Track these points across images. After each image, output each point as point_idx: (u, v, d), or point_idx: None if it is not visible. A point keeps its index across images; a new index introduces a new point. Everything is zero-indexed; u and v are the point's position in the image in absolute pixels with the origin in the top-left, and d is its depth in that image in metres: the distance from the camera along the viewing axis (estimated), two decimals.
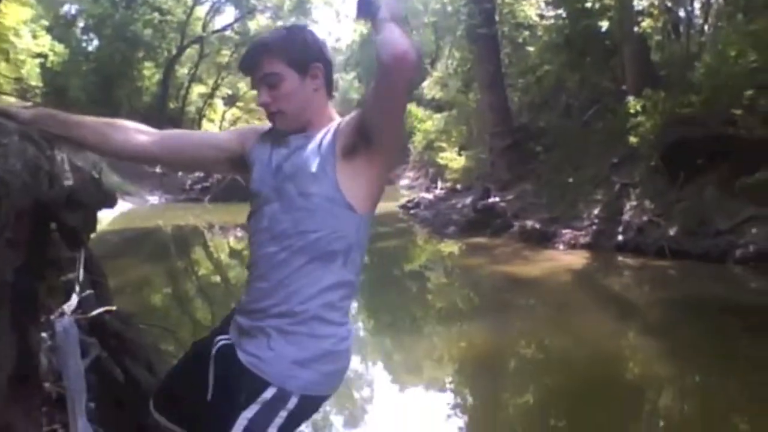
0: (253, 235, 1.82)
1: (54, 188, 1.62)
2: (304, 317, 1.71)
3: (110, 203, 1.83)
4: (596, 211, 11.38)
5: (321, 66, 1.83)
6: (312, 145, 1.78)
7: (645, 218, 10.41)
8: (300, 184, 1.73)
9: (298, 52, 1.81)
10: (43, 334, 1.73)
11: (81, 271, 1.73)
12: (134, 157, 1.94)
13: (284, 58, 1.78)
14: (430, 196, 18.02)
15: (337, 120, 1.85)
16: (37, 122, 1.79)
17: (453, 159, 18.79)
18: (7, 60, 16.00)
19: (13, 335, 1.55)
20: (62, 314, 1.65)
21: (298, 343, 1.70)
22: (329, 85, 1.89)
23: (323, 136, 1.79)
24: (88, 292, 1.75)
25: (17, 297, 1.56)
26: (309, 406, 1.75)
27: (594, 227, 10.97)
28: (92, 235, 1.85)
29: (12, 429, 1.57)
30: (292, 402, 1.67)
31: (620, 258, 9.94)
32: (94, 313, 1.65)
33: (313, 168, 1.73)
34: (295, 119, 1.82)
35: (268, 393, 1.66)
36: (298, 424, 1.78)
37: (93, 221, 1.76)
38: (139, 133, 1.87)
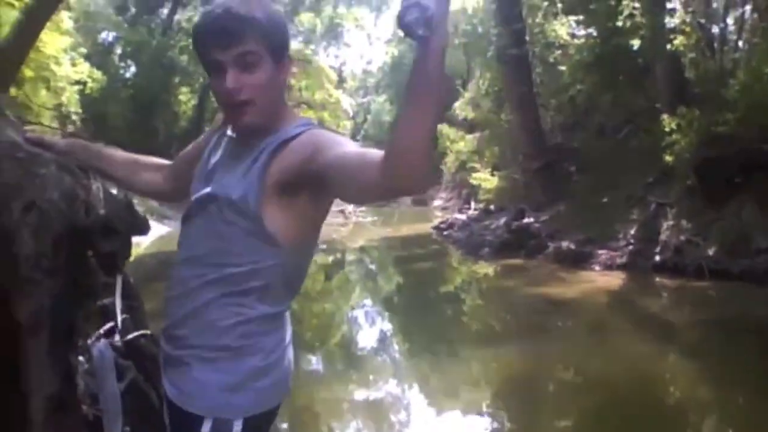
0: (178, 244, 1.65)
1: (90, 216, 1.63)
2: (222, 347, 1.54)
3: (144, 230, 1.84)
4: (632, 232, 11.23)
5: (289, 64, 1.61)
6: (246, 161, 1.56)
7: (682, 238, 10.24)
8: (222, 207, 1.52)
9: (279, 37, 1.56)
10: (80, 358, 1.75)
11: (117, 296, 1.74)
12: (156, 197, 1.96)
13: (266, 40, 1.52)
14: (463, 217, 17.96)
15: (287, 128, 1.56)
16: (72, 152, 1.82)
17: (486, 179, 18.72)
18: (48, 88, 16.36)
19: (50, 360, 1.56)
20: (98, 338, 1.67)
21: (222, 368, 1.54)
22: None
23: (260, 151, 1.54)
24: (124, 316, 1.76)
25: (55, 323, 1.58)
26: (260, 421, 1.59)
27: (630, 248, 10.82)
28: (129, 260, 1.86)
29: None
30: (236, 430, 1.53)
31: (658, 279, 9.78)
32: (130, 336, 1.65)
33: (235, 194, 1.51)
34: (264, 115, 1.56)
35: (206, 428, 1.52)
36: None
37: (128, 247, 1.77)
38: (161, 173, 1.87)
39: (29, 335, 1.54)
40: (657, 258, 10.16)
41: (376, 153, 1.32)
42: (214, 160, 1.65)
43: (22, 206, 1.49)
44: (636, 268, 10.27)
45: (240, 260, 1.52)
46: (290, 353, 1.70)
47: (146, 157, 1.93)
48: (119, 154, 1.91)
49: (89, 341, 1.69)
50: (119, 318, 1.69)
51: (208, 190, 1.57)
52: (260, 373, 1.57)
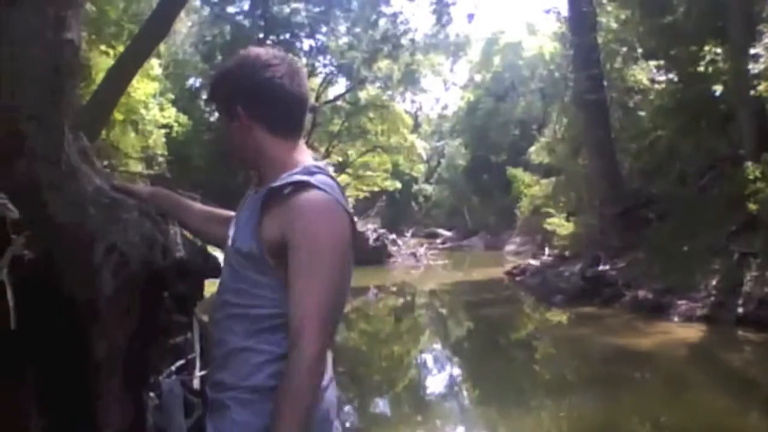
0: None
1: (167, 259, 1.73)
2: (255, 388, 1.59)
3: (216, 272, 1.93)
4: (714, 282, 10.82)
5: (241, 109, 1.65)
6: (247, 210, 1.67)
7: (767, 290, 9.83)
8: (235, 254, 1.63)
9: (221, 96, 1.71)
10: (151, 394, 1.83)
11: (189, 335, 1.83)
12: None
13: (213, 103, 1.73)
14: (536, 262, 17.71)
15: (279, 176, 1.62)
16: (153, 200, 1.95)
17: (561, 225, 18.45)
18: (136, 131, 17.11)
19: (123, 396, 1.65)
20: (169, 375, 1.75)
21: (259, 411, 1.56)
22: (273, 124, 1.68)
23: (257, 200, 1.63)
24: (193, 354, 1.85)
25: (129, 360, 1.67)
26: None
27: (712, 299, 10.43)
28: (201, 301, 1.95)
29: None
30: None
31: (740, 332, 9.38)
32: (199, 374, 1.73)
33: (238, 242, 1.63)
34: (240, 160, 1.73)
35: None
36: None
37: (201, 288, 1.87)
38: None
39: (104, 370, 1.63)
40: (740, 310, 9.76)
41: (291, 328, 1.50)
42: (240, 208, 1.76)
43: (105, 248, 1.61)
44: (717, 320, 9.88)
45: (262, 302, 1.59)
46: (331, 393, 1.71)
47: (220, 210, 2.02)
48: (197, 205, 2.03)
49: (160, 378, 1.78)
50: (195, 355, 1.77)
51: (229, 237, 1.69)
52: None
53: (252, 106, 1.66)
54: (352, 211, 1.65)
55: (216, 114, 29.71)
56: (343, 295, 1.56)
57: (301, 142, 1.75)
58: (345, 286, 1.61)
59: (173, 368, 1.91)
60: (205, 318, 2.09)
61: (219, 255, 1.85)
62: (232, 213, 1.91)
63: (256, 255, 1.58)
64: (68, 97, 1.56)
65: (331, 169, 1.74)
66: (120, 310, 1.62)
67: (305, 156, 1.71)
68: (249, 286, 1.60)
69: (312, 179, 1.58)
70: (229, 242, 1.68)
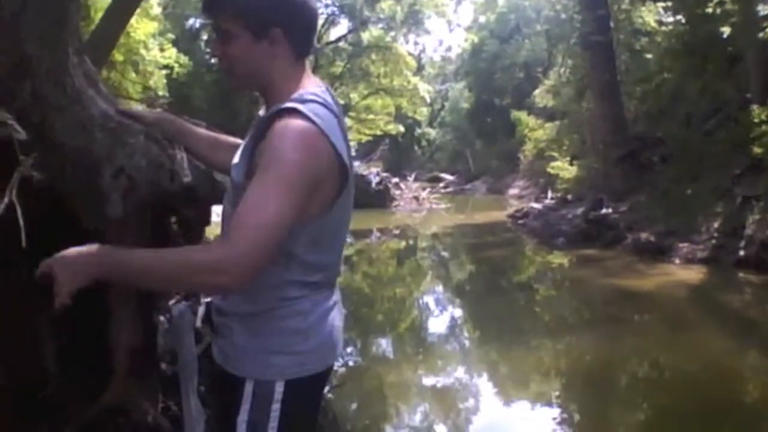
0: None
1: (174, 183, 1.75)
2: (256, 311, 1.63)
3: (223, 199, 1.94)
4: (716, 225, 10.86)
5: (281, 32, 1.62)
6: (247, 137, 1.66)
7: None
8: (235, 180, 1.62)
9: (257, 14, 1.62)
10: (161, 318, 1.87)
11: None
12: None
13: (241, 19, 1.60)
14: (539, 206, 17.73)
15: (285, 104, 1.58)
16: (159, 125, 1.94)
17: (564, 168, 18.44)
18: (137, 71, 16.98)
19: (134, 317, 1.69)
20: (179, 300, 1.79)
21: (259, 331, 1.62)
22: (299, 47, 1.67)
23: (255, 127, 1.64)
24: None
25: None
26: (304, 387, 1.65)
27: (713, 241, 10.48)
28: (207, 228, 1.97)
29: (130, 401, 1.71)
30: (278, 391, 1.59)
31: (741, 274, 9.45)
32: (207, 299, 1.76)
33: (234, 171, 1.62)
34: (247, 82, 1.72)
35: (248, 389, 1.60)
36: (308, 407, 1.72)
37: (208, 214, 1.89)
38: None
39: (115, 292, 1.67)
40: (741, 253, 9.81)
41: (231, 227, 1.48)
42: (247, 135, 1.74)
43: (112, 172, 1.62)
44: (718, 262, 9.95)
45: None
46: (335, 320, 1.73)
47: (227, 137, 2.02)
48: (202, 131, 2.02)
49: (170, 302, 1.82)
50: None
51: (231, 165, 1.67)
52: (297, 337, 1.63)
53: (290, 30, 1.63)
54: (342, 146, 1.60)
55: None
56: (286, 229, 1.48)
57: (308, 65, 1.73)
58: (310, 221, 1.58)
59: (182, 294, 1.96)
60: None
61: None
62: (240, 141, 1.92)
63: (235, 180, 1.60)
64: (73, 19, 1.55)
65: (329, 93, 1.71)
66: (129, 234, 1.64)
67: (310, 81, 1.69)
68: None
69: (302, 107, 1.55)
70: (235, 159, 1.66)
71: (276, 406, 1.59)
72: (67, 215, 1.63)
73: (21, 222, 1.34)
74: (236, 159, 1.63)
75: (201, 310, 1.78)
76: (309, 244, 1.61)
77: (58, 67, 1.49)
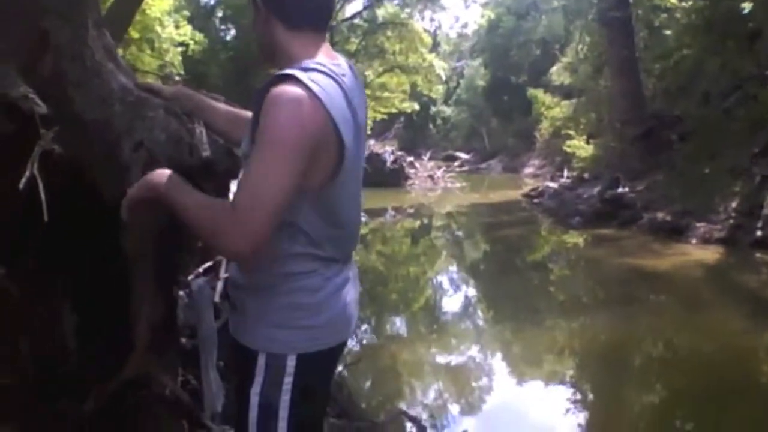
0: None
1: (193, 158, 1.76)
2: (267, 284, 1.65)
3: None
4: (734, 205, 10.77)
5: (263, 4, 1.66)
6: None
7: None
8: (244, 150, 1.66)
9: None
10: (181, 292, 1.90)
11: None
12: None
13: None
14: (555, 185, 17.67)
15: (282, 71, 1.59)
16: (178, 99, 1.96)
17: (581, 147, 18.32)
18: (152, 48, 16.99)
19: (155, 290, 1.71)
20: (198, 276, 1.81)
21: (269, 305, 1.65)
22: (288, 17, 1.67)
23: (257, 98, 1.61)
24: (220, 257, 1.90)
25: (160, 258, 1.73)
26: (316, 362, 1.68)
27: (731, 221, 10.41)
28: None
29: (150, 375, 1.74)
30: (290, 365, 1.62)
31: (758, 255, 9.39)
32: (226, 275, 1.79)
33: (243, 142, 1.67)
34: (261, 52, 1.76)
35: (261, 361, 1.63)
36: (320, 381, 1.75)
37: (226, 190, 1.91)
38: None
39: (137, 266, 1.69)
40: (759, 233, 9.73)
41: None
42: None
43: (132, 146, 1.64)
44: (735, 242, 9.88)
45: None
46: (348, 296, 1.75)
47: (245, 112, 2.00)
48: (221, 106, 2.04)
49: (190, 277, 1.84)
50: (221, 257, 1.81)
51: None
52: (309, 311, 1.65)
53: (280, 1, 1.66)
54: (342, 117, 1.59)
55: (232, 32, 29.49)
56: (284, 195, 1.50)
57: (322, 40, 1.72)
58: (311, 191, 1.59)
59: (201, 269, 1.98)
60: None
61: None
62: None
63: (244, 151, 1.63)
64: None
65: (344, 68, 1.70)
66: (149, 208, 1.66)
67: (319, 53, 1.68)
68: None
69: (300, 73, 1.55)
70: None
71: (288, 380, 1.62)
72: (86, 189, 1.64)
73: (42, 195, 1.36)
74: (246, 144, 1.65)
75: (220, 285, 1.81)
76: (313, 216, 1.62)
77: (77, 40, 1.50)
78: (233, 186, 1.94)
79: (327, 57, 1.67)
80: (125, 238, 1.67)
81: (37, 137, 1.40)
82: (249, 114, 1.97)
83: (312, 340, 1.66)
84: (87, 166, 1.60)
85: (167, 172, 1.58)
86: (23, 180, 1.36)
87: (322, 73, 1.59)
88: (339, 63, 1.69)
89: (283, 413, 1.62)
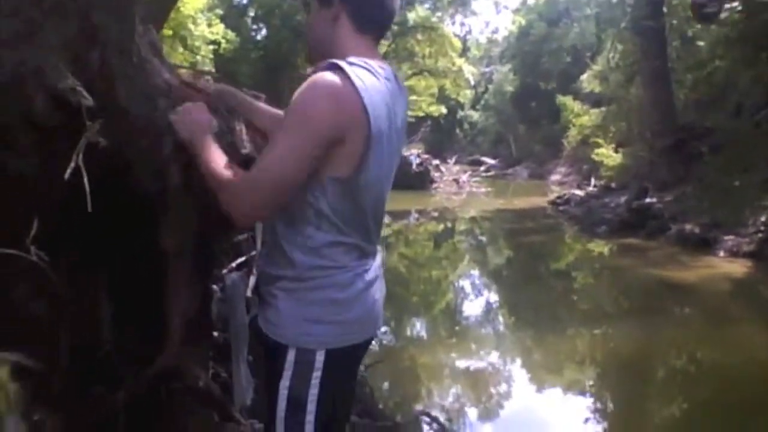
0: None
1: (233, 155, 1.79)
2: (300, 276, 1.67)
3: None
4: (763, 218, 10.65)
5: (343, 4, 1.70)
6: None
7: None
8: None
9: None
10: (215, 287, 1.93)
11: (257, 231, 1.90)
12: None
13: None
14: (581, 192, 17.57)
15: (329, 61, 1.67)
16: (221, 97, 2.02)
17: (609, 156, 18.20)
18: (185, 46, 17.14)
19: (191, 285, 1.74)
20: (231, 270, 1.84)
21: (301, 299, 1.68)
22: (361, 20, 1.73)
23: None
24: (254, 252, 1.92)
25: (196, 252, 1.76)
26: (344, 357, 1.71)
27: (760, 235, 10.28)
28: None
29: (183, 368, 1.77)
30: (319, 360, 1.65)
31: None
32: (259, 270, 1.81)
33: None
34: (313, 51, 1.80)
35: (291, 356, 1.65)
36: (346, 376, 1.79)
37: None
38: None
39: (173, 260, 1.72)
40: None
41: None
42: None
43: (174, 140, 1.67)
44: (764, 256, 9.76)
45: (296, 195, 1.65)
46: (377, 293, 1.79)
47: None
48: (263, 106, 2.09)
49: (224, 271, 1.87)
50: (257, 252, 1.84)
51: None
52: (339, 306, 1.69)
53: (354, 5, 1.71)
54: (379, 113, 1.63)
55: (264, 31, 29.63)
56: (294, 172, 1.57)
57: (377, 47, 1.79)
58: (337, 178, 1.63)
59: (234, 264, 2.01)
60: None
61: None
62: None
63: None
64: None
65: (390, 73, 1.75)
66: (188, 203, 1.69)
67: (371, 54, 1.73)
68: None
69: (345, 65, 1.61)
70: None
71: (317, 374, 1.65)
72: (127, 182, 1.68)
73: (86, 186, 1.39)
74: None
75: (252, 280, 1.83)
76: (339, 203, 1.65)
77: (125, 36, 1.54)
78: None
79: (376, 61, 1.72)
80: (165, 232, 1.70)
81: (82, 129, 1.43)
82: None
83: (342, 335, 1.70)
84: (129, 160, 1.63)
85: (208, 120, 1.71)
86: (69, 170, 1.40)
87: (366, 70, 1.64)
88: (385, 67, 1.74)
89: (311, 407, 1.66)
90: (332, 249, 1.68)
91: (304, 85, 1.59)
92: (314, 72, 1.62)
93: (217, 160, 1.62)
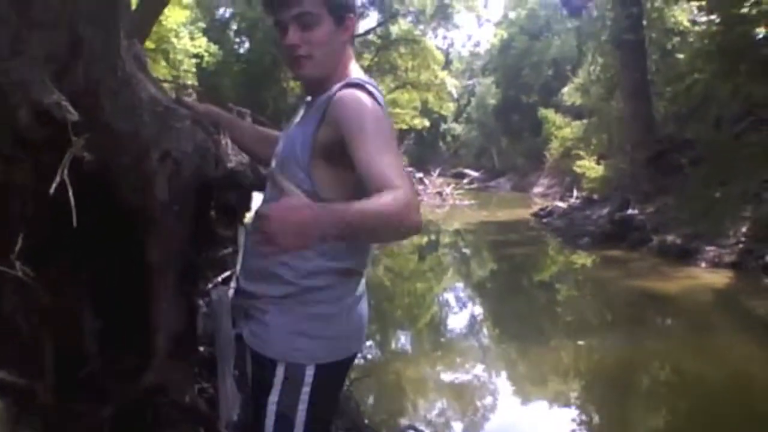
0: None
1: (218, 169, 1.80)
2: (291, 295, 1.67)
3: (264, 187, 1.99)
4: (744, 229, 10.75)
5: (353, 18, 1.75)
6: (307, 118, 1.73)
7: None
8: (285, 162, 1.69)
9: (337, 3, 1.71)
10: (200, 301, 1.92)
11: (240, 244, 1.90)
12: None
13: (326, 3, 1.69)
14: (564, 204, 17.67)
15: (345, 81, 1.68)
16: (209, 115, 2.02)
17: (591, 168, 18.32)
18: (167, 59, 17.09)
19: (176, 299, 1.74)
20: (216, 285, 1.84)
21: (291, 313, 1.67)
22: (353, 39, 1.80)
23: (317, 108, 1.69)
24: (237, 266, 1.93)
25: (182, 266, 1.75)
26: (333, 372, 1.72)
27: (740, 245, 10.38)
28: (248, 215, 2.03)
29: (169, 383, 1.76)
30: (309, 375, 1.65)
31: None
32: (235, 285, 1.82)
33: (297, 148, 1.67)
34: (322, 67, 1.72)
35: (280, 371, 1.65)
36: (334, 391, 1.79)
37: (248, 201, 1.94)
38: None
39: (158, 274, 1.72)
40: None
41: (375, 188, 1.47)
42: (292, 123, 1.81)
43: (159, 155, 1.67)
44: (745, 267, 9.81)
45: None
46: (362, 310, 1.80)
47: (273, 132, 2.09)
48: (249, 125, 2.12)
49: (209, 286, 1.87)
50: (238, 267, 1.84)
51: (279, 148, 1.76)
52: (329, 321, 1.69)
53: (356, 18, 1.76)
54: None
55: (246, 45, 29.50)
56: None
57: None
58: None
59: (220, 279, 2.01)
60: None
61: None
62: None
63: (303, 160, 1.65)
64: (124, 1, 1.60)
65: None
66: (173, 217, 1.69)
67: (357, 69, 1.79)
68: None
69: (367, 84, 1.66)
70: (278, 150, 1.76)
71: (306, 389, 1.65)
72: (113, 196, 1.68)
73: (72, 200, 1.39)
74: (282, 142, 1.74)
75: (230, 293, 1.84)
76: None
77: (110, 49, 1.54)
78: (255, 197, 1.97)
79: (361, 72, 1.79)
80: (150, 246, 1.70)
81: (68, 144, 1.43)
82: (276, 133, 2.03)
83: (330, 350, 1.70)
84: (114, 173, 1.63)
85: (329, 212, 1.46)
86: (54, 185, 1.40)
87: (374, 86, 1.69)
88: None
89: (300, 422, 1.66)
90: (328, 273, 1.68)
91: (349, 102, 1.59)
92: (340, 90, 1.63)
93: (362, 207, 1.45)
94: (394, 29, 30.33)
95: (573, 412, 5.17)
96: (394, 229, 1.48)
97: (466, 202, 24.23)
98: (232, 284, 1.91)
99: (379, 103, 1.62)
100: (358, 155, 1.52)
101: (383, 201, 1.42)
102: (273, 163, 1.77)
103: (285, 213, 1.35)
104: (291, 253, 1.56)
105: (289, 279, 1.66)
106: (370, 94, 1.62)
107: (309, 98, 1.82)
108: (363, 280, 1.82)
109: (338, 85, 1.65)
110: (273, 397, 1.65)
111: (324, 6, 1.68)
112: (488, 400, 5.54)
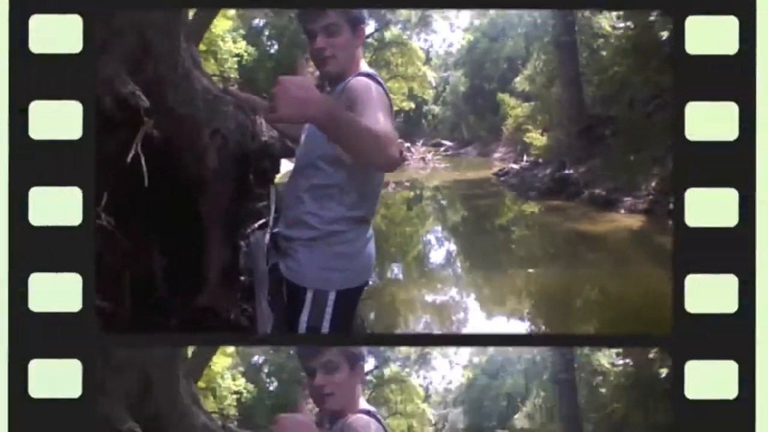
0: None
1: (254, 142, 1.76)
2: (317, 237, 1.68)
3: (291, 153, 1.96)
4: (653, 184, 10.77)
5: (364, 27, 1.76)
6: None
7: None
8: (313, 138, 1.64)
9: (355, 13, 1.70)
10: (241, 243, 1.91)
11: (271, 200, 1.88)
12: None
13: (345, 15, 1.67)
14: (517, 167, 17.59)
15: (356, 73, 1.69)
16: (248, 101, 2.02)
17: (537, 138, 18.17)
18: (215, 59, 16.82)
19: (224, 243, 1.73)
20: (253, 231, 1.84)
21: (318, 252, 1.69)
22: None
23: (338, 92, 1.67)
24: (273, 215, 1.91)
25: (228, 216, 1.74)
26: (349, 296, 1.73)
27: (651, 196, 10.40)
28: (278, 176, 2.00)
29: (218, 305, 1.76)
30: (331, 299, 1.66)
31: (671, 222, 9.34)
32: (275, 230, 1.80)
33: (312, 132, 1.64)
34: (342, 65, 1.71)
35: (309, 296, 1.67)
36: (351, 310, 1.79)
37: (278, 167, 1.91)
38: None
39: (209, 223, 1.70)
40: (671, 205, 9.66)
41: None
42: None
43: (210, 132, 1.64)
44: (654, 212, 9.85)
45: (324, 173, 1.65)
46: (371, 249, 1.81)
47: None
48: None
49: (248, 231, 1.86)
50: (271, 217, 1.83)
51: (306, 125, 1.73)
52: (347, 258, 1.72)
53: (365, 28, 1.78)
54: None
55: (276, 47, 29.11)
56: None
57: None
58: None
59: (256, 225, 2.00)
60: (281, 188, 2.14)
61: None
62: None
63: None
64: (183, 11, 1.55)
65: None
66: (221, 180, 1.67)
67: (365, 64, 1.79)
68: (318, 161, 1.66)
69: (371, 74, 1.67)
70: (305, 129, 1.74)
71: (329, 309, 1.66)
72: (174, 164, 1.65)
73: (144, 168, 1.36)
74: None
75: (268, 237, 1.82)
76: (361, 181, 1.69)
77: (173, 50, 1.50)
78: (283, 164, 1.95)
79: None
80: (204, 203, 1.68)
81: (140, 124, 1.39)
82: None
83: (348, 280, 1.73)
84: (176, 147, 1.60)
85: (329, 101, 1.36)
86: (130, 155, 1.37)
87: (379, 77, 1.73)
88: None
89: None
90: (346, 220, 1.69)
91: (361, 86, 1.59)
92: (353, 78, 1.64)
93: (357, 118, 1.41)
94: (387, 34, 29.65)
95: (525, 324, 5.23)
96: (372, 147, 1.39)
97: (443, 165, 24.02)
98: (267, 230, 1.89)
99: (382, 88, 1.65)
100: (363, 118, 1.49)
101: (374, 125, 1.41)
102: (302, 138, 1.76)
103: (293, 84, 1.24)
104: (316, 201, 1.62)
105: (315, 224, 1.67)
106: (376, 81, 1.65)
107: (328, 89, 1.78)
108: (371, 226, 1.83)
109: (351, 76, 1.66)
110: (304, 316, 1.67)
111: (344, 18, 1.68)
112: (461, 315, 5.59)
